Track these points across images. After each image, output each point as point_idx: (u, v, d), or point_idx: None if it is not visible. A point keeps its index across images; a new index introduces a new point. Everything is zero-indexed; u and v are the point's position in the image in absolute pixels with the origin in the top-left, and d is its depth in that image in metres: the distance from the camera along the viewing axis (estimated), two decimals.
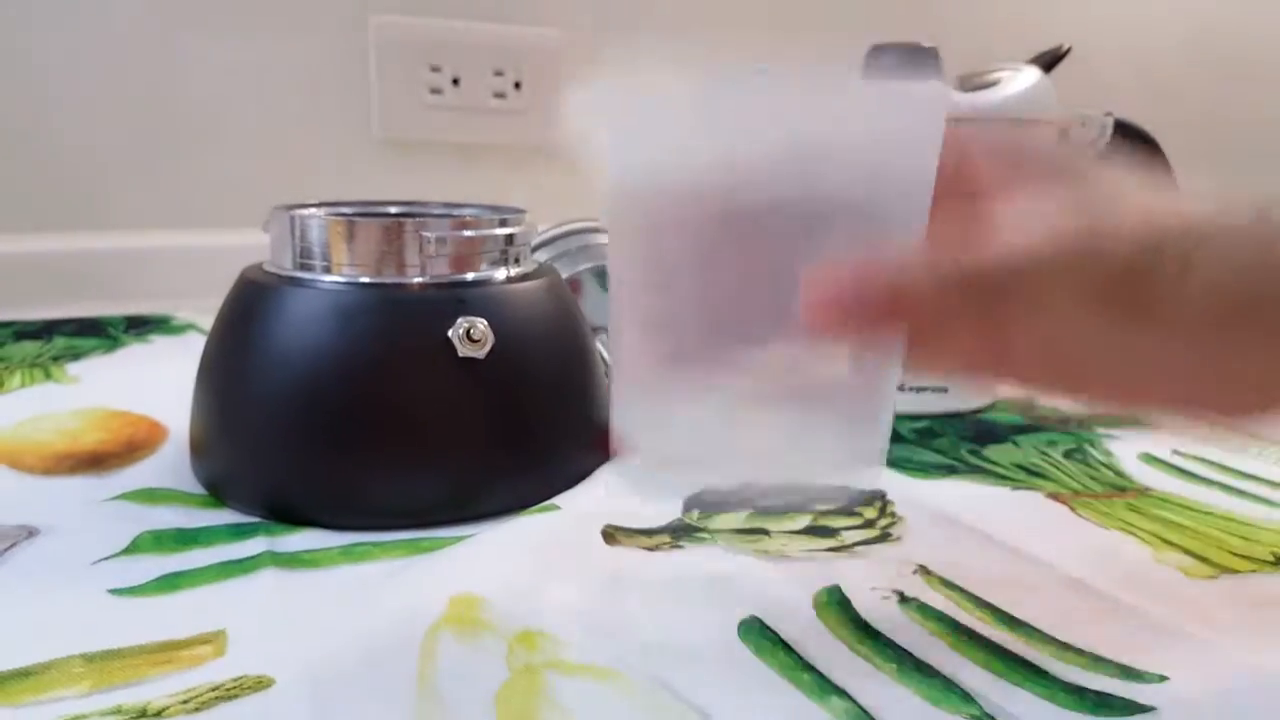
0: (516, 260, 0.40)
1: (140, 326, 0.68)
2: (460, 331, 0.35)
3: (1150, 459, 0.44)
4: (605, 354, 0.53)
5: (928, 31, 0.51)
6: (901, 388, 0.51)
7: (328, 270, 0.37)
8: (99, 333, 0.66)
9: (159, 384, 0.54)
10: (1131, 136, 0.52)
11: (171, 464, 0.41)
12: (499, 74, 0.84)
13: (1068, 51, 0.52)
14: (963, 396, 0.52)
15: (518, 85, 0.85)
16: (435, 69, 0.82)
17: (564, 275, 0.52)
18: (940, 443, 0.46)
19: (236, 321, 0.38)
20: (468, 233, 0.38)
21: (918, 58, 0.52)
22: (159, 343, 0.65)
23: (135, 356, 0.62)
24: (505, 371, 0.36)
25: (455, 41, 0.83)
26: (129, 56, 0.76)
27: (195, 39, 0.78)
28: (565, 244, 0.54)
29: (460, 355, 0.35)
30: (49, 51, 0.74)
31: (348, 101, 0.83)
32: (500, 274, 0.39)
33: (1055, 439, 0.47)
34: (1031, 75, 0.50)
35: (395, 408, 0.35)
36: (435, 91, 0.83)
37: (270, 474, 0.36)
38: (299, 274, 0.37)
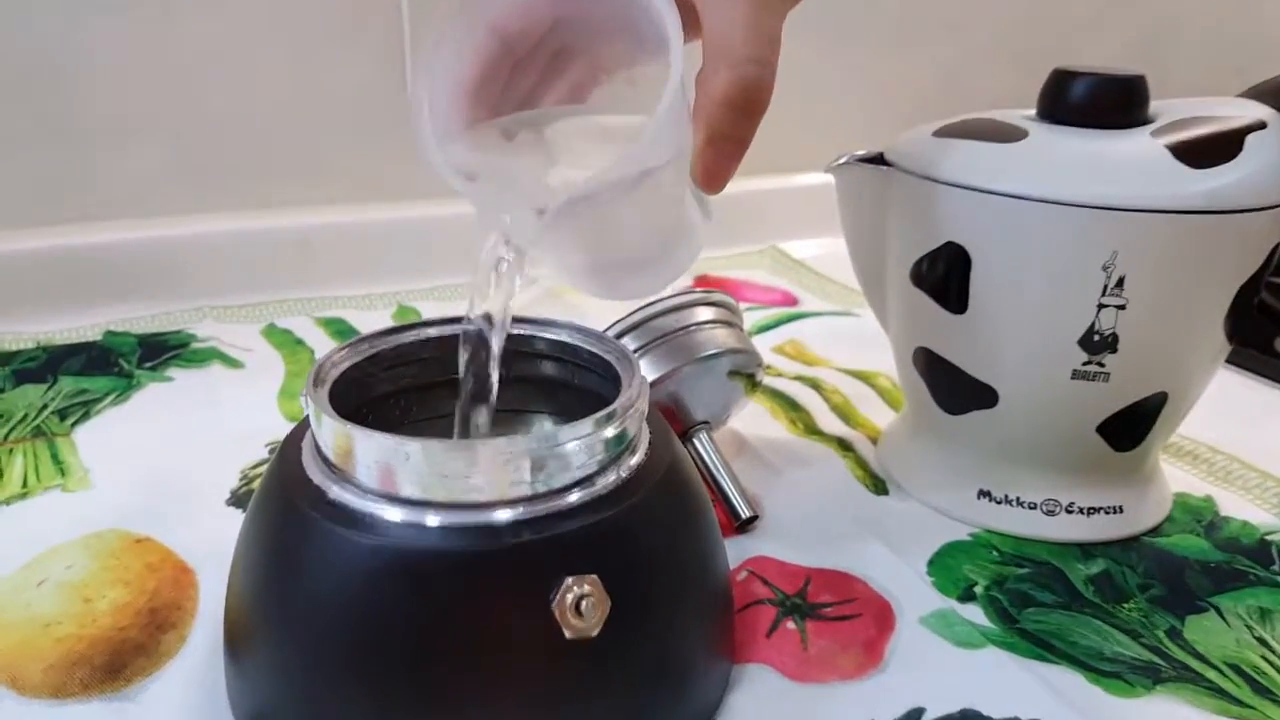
0: (630, 447, 0.31)
1: (156, 355, 0.60)
2: (569, 602, 0.27)
3: None
4: (704, 451, 0.44)
5: None
6: (1069, 509, 0.43)
7: (386, 498, 0.28)
8: (110, 368, 0.57)
9: (188, 458, 0.47)
10: None
11: (204, 673, 0.34)
12: None
13: None
14: (1136, 516, 0.43)
15: None
16: None
17: (659, 373, 0.43)
18: (1130, 613, 0.38)
19: (281, 560, 0.29)
20: (571, 444, 0.28)
21: (1119, 86, 0.40)
22: (180, 380, 0.57)
23: (154, 405, 0.54)
24: (625, 638, 0.28)
25: None
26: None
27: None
28: (655, 326, 0.43)
29: (569, 638, 0.27)
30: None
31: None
32: (609, 479, 0.30)
33: (1265, 603, 0.38)
34: (1275, 130, 0.38)
35: (480, 704, 0.27)
36: None
37: None
38: (350, 499, 0.28)
